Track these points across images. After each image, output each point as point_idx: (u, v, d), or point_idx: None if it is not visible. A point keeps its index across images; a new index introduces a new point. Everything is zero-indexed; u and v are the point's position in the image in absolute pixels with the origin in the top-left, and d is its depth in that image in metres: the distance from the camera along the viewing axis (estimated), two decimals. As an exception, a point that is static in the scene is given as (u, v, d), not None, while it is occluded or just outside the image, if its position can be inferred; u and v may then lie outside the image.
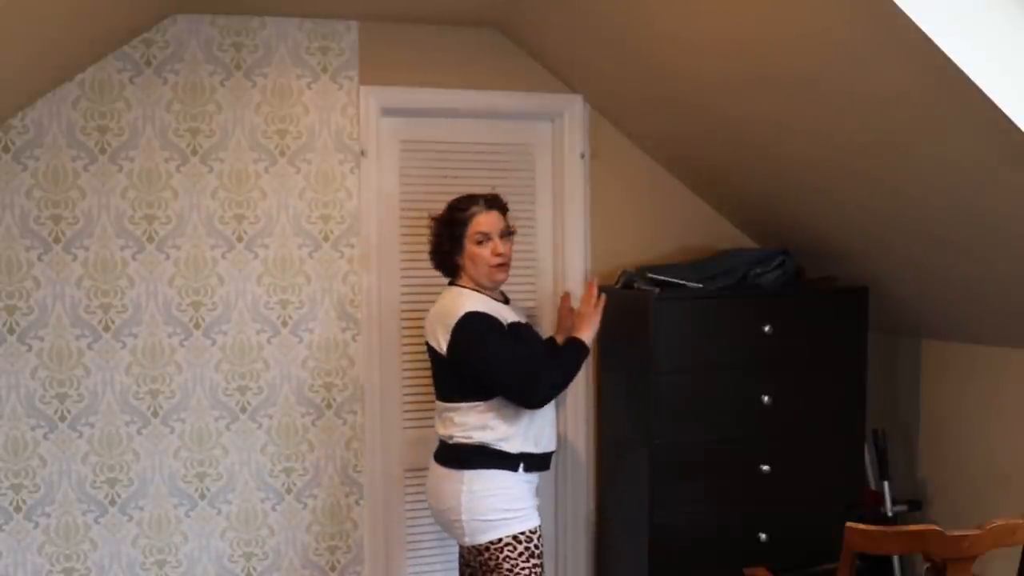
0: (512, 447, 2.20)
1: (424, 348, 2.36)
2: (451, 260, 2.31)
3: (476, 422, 2.20)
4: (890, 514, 2.80)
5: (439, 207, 2.88)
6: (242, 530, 2.78)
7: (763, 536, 2.65)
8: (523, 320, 2.38)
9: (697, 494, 2.60)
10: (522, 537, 2.18)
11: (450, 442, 2.26)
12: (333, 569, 2.85)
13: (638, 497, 2.62)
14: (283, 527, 2.81)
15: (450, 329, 2.17)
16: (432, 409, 3.01)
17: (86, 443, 2.65)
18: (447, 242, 2.30)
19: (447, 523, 2.27)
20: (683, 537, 2.58)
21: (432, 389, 2.37)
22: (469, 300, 2.23)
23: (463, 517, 2.18)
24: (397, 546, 2.93)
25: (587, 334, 2.36)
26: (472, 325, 2.16)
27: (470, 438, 2.21)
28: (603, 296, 2.43)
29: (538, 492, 2.32)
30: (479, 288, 2.29)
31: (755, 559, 2.49)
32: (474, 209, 2.27)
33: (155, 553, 2.72)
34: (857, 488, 2.77)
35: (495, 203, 2.31)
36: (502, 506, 2.18)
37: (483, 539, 2.18)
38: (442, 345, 2.20)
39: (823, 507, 2.66)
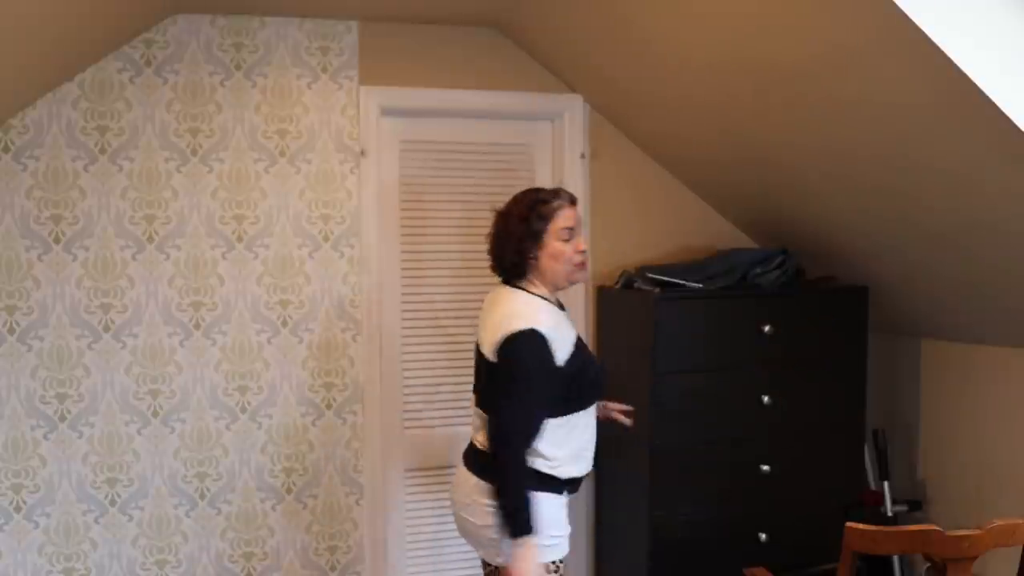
0: (562, 473, 2.03)
1: (472, 352, 2.14)
2: (525, 259, 2.06)
3: None
4: (890, 514, 2.80)
5: (439, 207, 2.90)
6: (242, 530, 2.78)
7: (763, 536, 2.65)
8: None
9: (697, 494, 2.60)
10: (551, 566, 2.02)
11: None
12: (333, 569, 2.85)
13: (638, 497, 2.62)
14: (283, 527, 2.81)
15: (509, 335, 1.94)
16: (438, 409, 2.96)
17: (86, 443, 2.65)
18: (527, 238, 2.03)
19: (480, 539, 2.06)
20: (683, 537, 2.58)
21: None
22: (540, 311, 2.01)
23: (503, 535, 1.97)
24: (397, 546, 2.93)
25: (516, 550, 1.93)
26: (530, 347, 1.93)
27: None
28: None
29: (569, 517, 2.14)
30: (546, 295, 2.08)
31: (755, 559, 2.49)
32: (559, 202, 2.05)
33: (155, 553, 2.72)
34: (857, 488, 2.77)
35: (573, 198, 2.10)
36: (544, 531, 1.98)
37: None
38: (493, 352, 1.99)
39: (823, 507, 2.67)
